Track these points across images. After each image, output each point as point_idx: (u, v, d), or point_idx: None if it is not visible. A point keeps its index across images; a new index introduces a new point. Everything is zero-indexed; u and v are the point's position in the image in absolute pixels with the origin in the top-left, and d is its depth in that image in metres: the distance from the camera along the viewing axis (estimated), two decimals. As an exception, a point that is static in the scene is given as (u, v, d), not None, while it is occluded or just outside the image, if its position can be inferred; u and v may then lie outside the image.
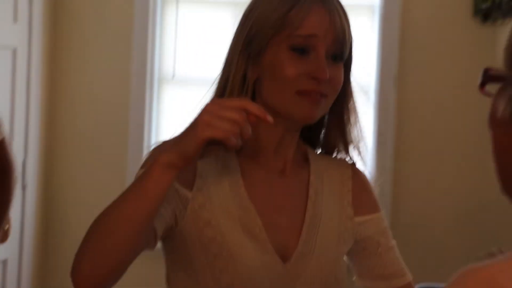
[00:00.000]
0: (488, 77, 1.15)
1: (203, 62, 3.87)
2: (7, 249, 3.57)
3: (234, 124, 1.18)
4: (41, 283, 4.00)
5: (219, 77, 1.47)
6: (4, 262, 3.68)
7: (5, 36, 3.57)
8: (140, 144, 3.91)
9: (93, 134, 3.96)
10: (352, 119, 1.46)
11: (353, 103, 1.46)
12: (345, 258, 1.50)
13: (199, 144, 1.19)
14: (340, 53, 1.38)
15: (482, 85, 1.15)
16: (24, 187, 3.79)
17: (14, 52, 3.67)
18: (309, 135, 1.50)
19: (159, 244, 1.39)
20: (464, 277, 0.95)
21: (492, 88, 1.03)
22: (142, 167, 1.40)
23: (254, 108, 1.21)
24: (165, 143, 1.44)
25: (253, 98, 1.40)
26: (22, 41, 3.74)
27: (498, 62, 1.02)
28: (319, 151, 1.53)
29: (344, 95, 1.43)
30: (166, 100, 3.99)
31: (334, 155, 1.51)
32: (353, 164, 1.52)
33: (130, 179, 3.64)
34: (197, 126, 1.19)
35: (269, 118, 1.22)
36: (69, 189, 4.00)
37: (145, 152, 4.00)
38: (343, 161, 1.51)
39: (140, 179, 1.25)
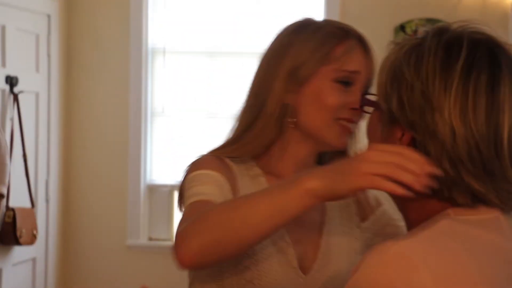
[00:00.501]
0: (365, 101, 1.30)
1: (188, 100, 4.35)
2: (36, 249, 4.12)
3: (395, 170, 0.99)
4: (63, 277, 4.43)
5: (249, 102, 1.41)
6: (34, 260, 4.16)
7: (29, 83, 4.04)
8: (138, 165, 4.35)
9: (100, 157, 4.40)
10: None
11: None
12: None
13: (353, 191, 1.04)
14: (368, 88, 1.40)
15: (361, 107, 1.31)
16: (47, 201, 4.26)
17: (37, 96, 4.16)
18: None
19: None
20: (376, 254, 0.96)
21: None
22: (187, 178, 1.36)
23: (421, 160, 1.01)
24: (205, 158, 1.41)
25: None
26: (43, 87, 4.20)
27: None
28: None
29: None
30: (157, 130, 4.41)
31: None
32: None
33: (131, 192, 4.28)
34: (355, 174, 1.03)
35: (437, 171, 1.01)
36: (82, 203, 4.44)
37: (142, 167, 4.51)
38: None
39: (278, 193, 1.10)
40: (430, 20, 4.05)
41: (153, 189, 4.48)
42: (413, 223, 1.04)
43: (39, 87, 4.20)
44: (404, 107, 1.05)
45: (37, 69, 4.19)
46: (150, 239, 4.51)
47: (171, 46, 4.41)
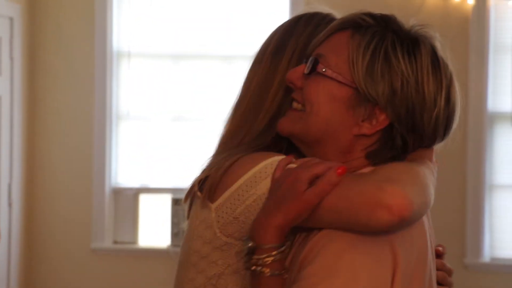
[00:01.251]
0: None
1: (153, 103, 4.39)
2: None
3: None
4: (26, 280, 4.42)
5: (246, 96, 1.29)
6: None
7: None
8: (103, 168, 4.36)
9: (65, 161, 4.40)
10: None
11: None
12: None
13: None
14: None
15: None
16: (10, 204, 4.25)
17: (0, 99, 4.16)
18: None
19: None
20: (325, 245, 1.06)
21: None
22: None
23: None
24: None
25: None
26: (5, 90, 4.20)
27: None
28: None
29: None
30: (123, 133, 4.42)
31: None
32: None
33: (95, 195, 4.28)
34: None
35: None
36: (46, 206, 4.44)
37: (106, 170, 4.45)
38: None
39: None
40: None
41: (118, 192, 4.49)
42: None
43: (1, 91, 4.19)
44: (395, 96, 1.11)
45: (0, 72, 4.18)
46: (115, 242, 4.49)
47: (136, 49, 4.43)
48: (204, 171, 1.24)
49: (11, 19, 4.24)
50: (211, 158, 1.27)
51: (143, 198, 4.50)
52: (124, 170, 4.49)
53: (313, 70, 1.14)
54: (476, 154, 4.13)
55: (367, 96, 1.11)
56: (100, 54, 4.35)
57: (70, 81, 4.41)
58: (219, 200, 1.19)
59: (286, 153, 1.19)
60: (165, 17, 4.41)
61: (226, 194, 1.18)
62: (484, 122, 4.14)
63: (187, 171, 3.93)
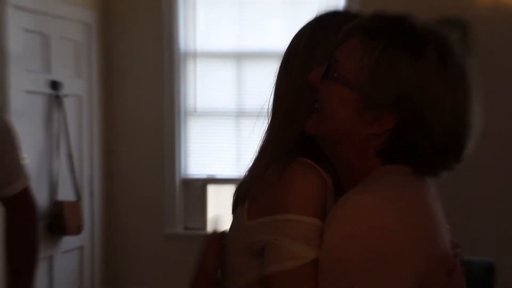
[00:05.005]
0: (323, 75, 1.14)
1: (218, 100, 4.45)
2: (83, 238, 4.27)
3: None
4: (108, 263, 4.56)
5: (283, 100, 1.20)
6: (81, 248, 4.30)
7: (73, 88, 4.19)
8: (173, 160, 4.46)
9: (139, 154, 4.52)
10: None
11: None
12: None
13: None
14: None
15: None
16: (92, 194, 4.40)
17: (80, 99, 4.29)
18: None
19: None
20: (341, 207, 1.04)
21: None
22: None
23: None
24: None
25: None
26: (84, 91, 4.33)
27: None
28: None
29: None
30: (190, 128, 4.51)
31: None
32: None
33: (167, 185, 4.36)
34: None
35: None
36: (123, 196, 4.57)
37: (176, 162, 4.44)
38: None
39: None
40: (447, 20, 3.97)
41: (187, 183, 4.58)
42: (358, 180, 1.11)
43: (82, 91, 4.33)
44: (400, 98, 1.06)
45: (79, 75, 4.32)
46: (186, 228, 4.59)
47: (202, 49, 4.51)
48: (246, 178, 1.20)
49: (89, 25, 4.37)
50: (253, 163, 1.21)
51: (210, 188, 4.58)
52: (192, 162, 4.58)
53: (326, 74, 1.12)
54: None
55: (373, 99, 1.07)
56: (168, 55, 4.45)
57: (142, 82, 4.52)
58: (253, 222, 1.12)
59: (312, 153, 1.13)
60: (227, 18, 4.48)
61: (261, 220, 1.10)
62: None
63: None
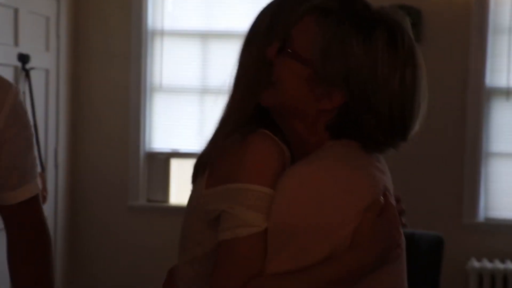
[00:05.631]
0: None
1: (183, 77, 4.50)
2: (46, 209, 3.97)
3: None
4: (71, 233, 4.61)
5: (244, 76, 1.24)
6: None
7: (40, 61, 4.21)
8: (138, 134, 4.51)
9: (104, 128, 4.56)
10: None
11: None
12: None
13: None
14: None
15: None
16: (56, 166, 4.43)
17: (47, 72, 4.32)
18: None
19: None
20: (287, 177, 1.09)
21: None
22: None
23: None
24: None
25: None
26: (52, 65, 4.36)
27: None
28: None
29: None
30: (155, 104, 4.56)
31: None
32: None
33: (131, 158, 4.40)
34: None
35: None
36: (87, 168, 4.60)
37: (141, 133, 4.44)
38: None
39: None
40: (402, 7, 4.18)
41: (151, 156, 4.65)
42: (308, 153, 1.15)
43: (49, 65, 4.35)
44: (349, 77, 1.11)
45: (48, 48, 4.34)
46: (149, 200, 4.67)
47: (169, 27, 4.56)
48: (206, 149, 1.21)
49: (58, 0, 4.38)
50: (213, 135, 1.23)
51: (174, 162, 4.64)
52: (157, 137, 4.64)
53: (282, 49, 1.15)
54: (474, 124, 4.27)
55: (324, 76, 1.11)
56: (136, 33, 4.49)
57: (109, 57, 4.54)
58: (209, 191, 1.15)
59: (267, 127, 1.16)
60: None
61: (216, 189, 1.13)
62: (482, 96, 4.28)
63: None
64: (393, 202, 1.16)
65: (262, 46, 1.20)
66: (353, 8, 1.13)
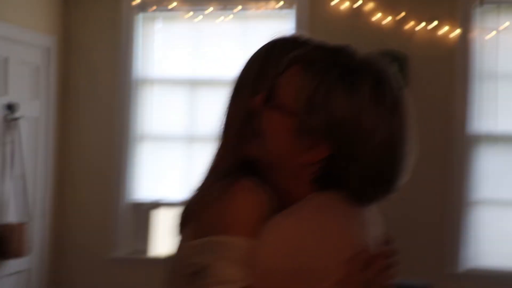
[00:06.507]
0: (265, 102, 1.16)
1: (169, 126, 4.48)
2: (30, 261, 4.14)
3: None
4: (56, 285, 4.50)
5: (231, 126, 1.23)
6: (29, 270, 4.17)
7: (30, 109, 4.21)
8: (122, 184, 4.46)
9: (89, 176, 4.52)
10: None
11: None
12: None
13: None
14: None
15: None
16: (43, 216, 4.36)
17: (36, 120, 4.32)
18: None
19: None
20: (268, 229, 1.08)
21: None
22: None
23: None
24: None
25: None
26: (42, 112, 4.36)
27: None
28: None
29: None
30: (141, 153, 4.51)
31: None
32: None
33: (115, 208, 4.29)
34: None
35: None
36: (73, 216, 4.53)
37: (125, 186, 4.36)
38: None
39: None
40: (389, 52, 4.17)
41: (135, 206, 4.60)
42: (295, 201, 1.13)
43: (39, 112, 4.35)
44: (334, 128, 1.09)
45: (37, 97, 4.34)
46: (132, 251, 4.59)
47: (157, 76, 4.56)
48: (191, 199, 1.20)
49: (48, 49, 4.41)
50: (200, 185, 1.21)
51: (159, 212, 4.55)
52: (142, 186, 4.57)
53: (268, 99, 1.14)
54: (458, 171, 4.23)
55: (309, 127, 1.09)
56: (123, 81, 4.49)
57: (96, 106, 4.55)
58: (192, 243, 1.12)
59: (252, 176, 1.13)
60: (182, 47, 4.54)
61: (198, 241, 1.10)
62: (465, 142, 4.24)
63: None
64: (380, 253, 1.13)
65: (248, 95, 1.19)
66: (338, 58, 1.12)
